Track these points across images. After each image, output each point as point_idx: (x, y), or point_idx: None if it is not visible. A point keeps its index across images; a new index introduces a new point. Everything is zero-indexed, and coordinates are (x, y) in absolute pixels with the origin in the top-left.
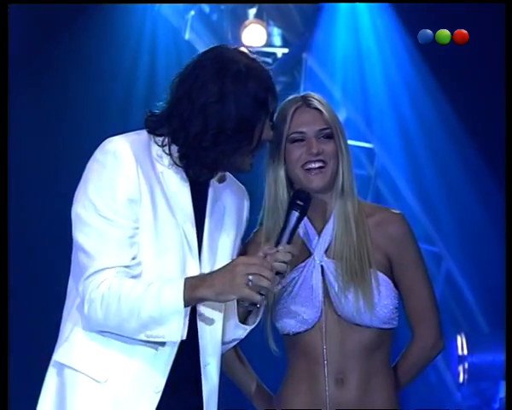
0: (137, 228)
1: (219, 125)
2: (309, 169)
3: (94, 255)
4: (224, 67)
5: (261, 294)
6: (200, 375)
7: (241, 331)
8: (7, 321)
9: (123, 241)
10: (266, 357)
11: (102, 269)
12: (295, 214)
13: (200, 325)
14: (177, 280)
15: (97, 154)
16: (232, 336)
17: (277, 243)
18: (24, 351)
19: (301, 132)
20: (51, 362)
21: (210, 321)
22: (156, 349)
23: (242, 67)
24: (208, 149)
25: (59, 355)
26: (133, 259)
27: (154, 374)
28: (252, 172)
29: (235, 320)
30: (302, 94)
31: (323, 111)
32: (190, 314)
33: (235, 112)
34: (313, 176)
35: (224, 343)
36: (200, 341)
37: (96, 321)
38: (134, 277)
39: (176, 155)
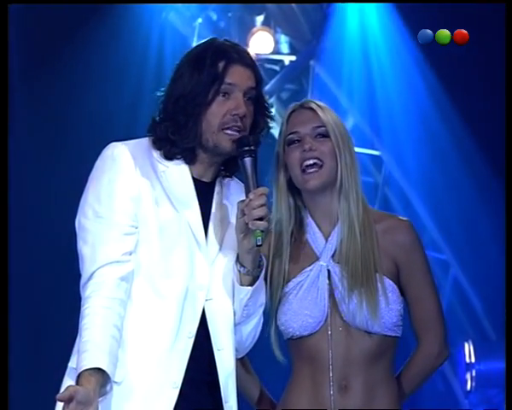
0: (135, 226)
1: (173, 96)
2: (305, 169)
3: (87, 260)
4: (189, 52)
5: (262, 231)
6: (215, 362)
7: (245, 292)
8: (7, 322)
9: (116, 238)
10: (270, 364)
11: (93, 272)
12: (248, 160)
13: (208, 310)
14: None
15: (97, 162)
16: (237, 301)
17: (247, 195)
18: (24, 352)
19: (296, 132)
20: (67, 370)
21: (219, 305)
22: (171, 345)
23: (201, 46)
24: (168, 121)
25: (73, 362)
26: (125, 254)
27: (171, 370)
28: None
29: (237, 285)
30: (302, 101)
31: (318, 110)
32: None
33: (181, 80)
34: (308, 175)
35: (239, 323)
36: (210, 326)
37: None
38: (126, 276)
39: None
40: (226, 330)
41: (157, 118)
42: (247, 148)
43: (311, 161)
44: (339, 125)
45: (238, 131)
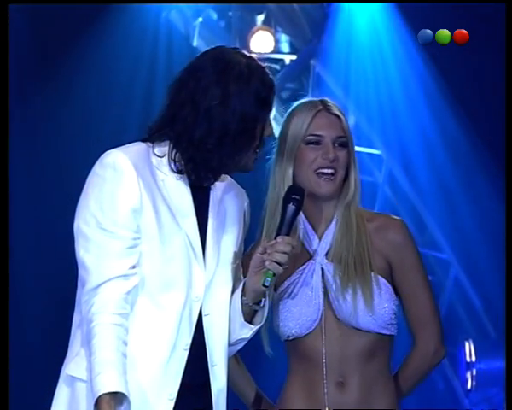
0: (138, 238)
1: (223, 127)
2: (320, 174)
3: (92, 270)
4: (225, 68)
5: (274, 274)
6: (209, 376)
7: (247, 330)
8: (7, 323)
9: (121, 252)
10: (266, 366)
11: (99, 285)
12: (292, 208)
13: (206, 325)
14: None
15: (96, 168)
16: (238, 336)
17: (276, 236)
18: (24, 352)
19: (319, 136)
20: (62, 376)
21: (216, 321)
22: (168, 357)
23: (244, 67)
24: (213, 152)
25: (70, 369)
26: (131, 268)
27: (167, 381)
28: (252, 178)
29: (240, 319)
30: (319, 98)
31: (342, 119)
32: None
33: (239, 113)
34: (324, 181)
35: (230, 345)
36: (206, 341)
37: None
38: (132, 290)
39: (178, 159)
40: (221, 347)
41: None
42: (294, 196)
43: (329, 171)
44: (351, 133)
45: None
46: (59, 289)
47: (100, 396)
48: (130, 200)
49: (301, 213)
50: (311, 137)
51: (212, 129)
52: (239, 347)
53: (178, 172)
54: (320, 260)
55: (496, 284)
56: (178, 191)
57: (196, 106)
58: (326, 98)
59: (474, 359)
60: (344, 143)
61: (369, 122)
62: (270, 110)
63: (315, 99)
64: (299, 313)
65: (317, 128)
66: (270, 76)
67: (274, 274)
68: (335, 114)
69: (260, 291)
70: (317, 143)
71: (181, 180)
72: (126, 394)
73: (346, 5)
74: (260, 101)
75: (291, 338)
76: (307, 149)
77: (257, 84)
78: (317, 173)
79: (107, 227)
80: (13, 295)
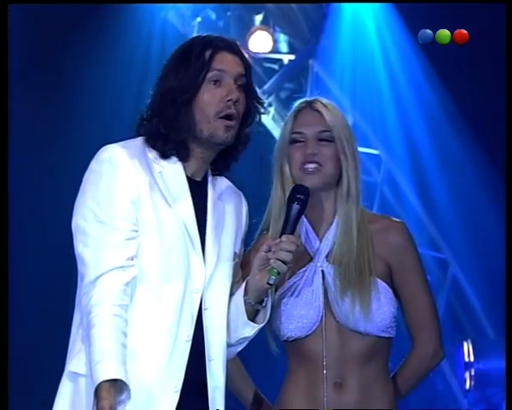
0: (136, 230)
1: (165, 89)
2: (305, 169)
3: (90, 264)
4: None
5: (278, 272)
6: (206, 371)
7: (249, 329)
8: (7, 323)
9: (119, 243)
10: (265, 367)
11: (98, 277)
12: (296, 207)
13: (206, 319)
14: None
15: (93, 164)
16: (241, 335)
17: (281, 235)
18: (24, 352)
19: (301, 133)
20: (65, 373)
21: (215, 316)
22: (171, 349)
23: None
24: (163, 113)
25: (73, 366)
26: (129, 259)
27: (171, 374)
28: (252, 179)
29: (243, 318)
30: (311, 98)
31: (325, 114)
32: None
33: (174, 70)
34: (307, 175)
35: (232, 345)
36: (205, 335)
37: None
38: (130, 281)
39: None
40: (218, 342)
41: (145, 115)
42: (299, 196)
43: (312, 166)
44: (344, 129)
45: (232, 119)
46: (59, 289)
47: (99, 384)
48: (127, 192)
49: (303, 215)
50: (294, 135)
51: (155, 96)
52: (241, 347)
53: (163, 157)
54: (321, 262)
55: (494, 283)
56: (176, 184)
57: (156, 88)
58: (317, 97)
59: (472, 359)
60: (327, 137)
61: (367, 122)
62: (201, 64)
63: (307, 98)
64: (299, 315)
65: (298, 126)
66: (206, 38)
67: (278, 273)
68: (317, 110)
69: (263, 290)
70: (300, 140)
71: (178, 173)
72: (126, 381)
73: (344, 5)
74: (187, 57)
75: (291, 339)
76: (293, 148)
77: (193, 46)
78: (302, 169)
79: (104, 220)
80: (13, 295)
